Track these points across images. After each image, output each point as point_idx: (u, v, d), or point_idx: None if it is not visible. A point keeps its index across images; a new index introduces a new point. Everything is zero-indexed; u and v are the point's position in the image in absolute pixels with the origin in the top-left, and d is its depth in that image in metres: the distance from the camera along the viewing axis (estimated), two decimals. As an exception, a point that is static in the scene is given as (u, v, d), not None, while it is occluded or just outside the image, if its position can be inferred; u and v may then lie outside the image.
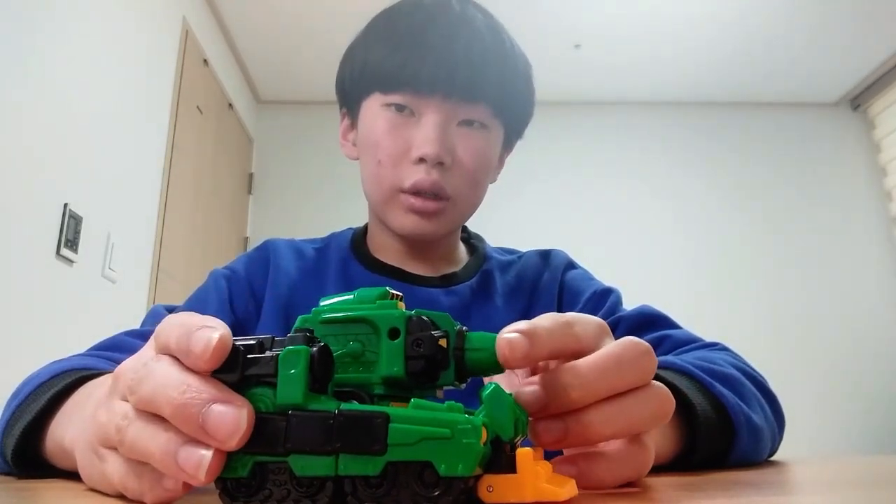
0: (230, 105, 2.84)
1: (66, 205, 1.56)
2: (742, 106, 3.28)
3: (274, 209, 3.13)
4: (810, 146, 3.25)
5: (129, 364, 0.28)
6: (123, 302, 1.85)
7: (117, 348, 0.57)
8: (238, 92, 2.99)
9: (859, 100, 3.20)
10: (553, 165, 3.15)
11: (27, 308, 1.42)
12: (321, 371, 0.24)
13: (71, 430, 0.36)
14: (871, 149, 3.23)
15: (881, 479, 0.40)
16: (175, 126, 2.22)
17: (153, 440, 0.25)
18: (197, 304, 0.67)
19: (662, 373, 0.44)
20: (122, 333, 0.61)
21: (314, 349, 0.24)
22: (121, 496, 0.28)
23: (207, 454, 0.23)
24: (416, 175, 0.62)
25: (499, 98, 0.65)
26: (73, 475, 0.39)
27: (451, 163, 0.63)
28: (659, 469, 0.41)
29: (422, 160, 0.62)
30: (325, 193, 3.00)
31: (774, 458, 0.53)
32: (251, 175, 3.17)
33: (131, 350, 0.57)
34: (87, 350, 0.58)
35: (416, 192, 0.63)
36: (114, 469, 0.27)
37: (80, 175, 1.64)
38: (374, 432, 0.23)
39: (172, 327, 0.26)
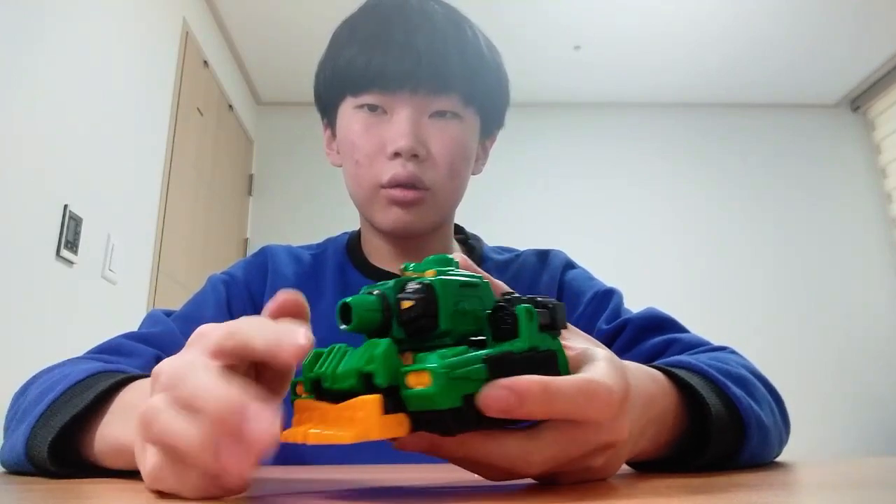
0: (230, 106, 2.84)
1: (66, 206, 1.56)
2: (742, 107, 3.28)
3: (274, 211, 3.13)
4: (810, 147, 3.25)
5: (169, 363, 0.29)
6: (123, 303, 1.84)
7: (117, 352, 0.56)
8: (238, 93, 2.99)
9: (859, 101, 3.20)
10: (553, 166, 3.15)
11: (27, 309, 1.42)
12: None
13: (128, 428, 0.35)
14: (870, 150, 3.23)
15: (883, 481, 0.40)
16: (175, 127, 2.22)
17: (186, 430, 0.26)
18: (195, 308, 0.67)
19: (677, 371, 0.44)
20: (121, 336, 0.60)
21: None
22: (158, 492, 0.28)
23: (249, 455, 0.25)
24: (393, 169, 0.64)
25: (467, 86, 0.66)
26: (119, 473, 0.39)
27: (427, 154, 0.65)
28: (664, 468, 0.41)
29: (397, 155, 0.64)
30: (325, 195, 2.99)
31: (776, 459, 0.53)
32: (251, 176, 3.17)
33: (131, 354, 0.57)
34: (86, 353, 0.57)
35: (394, 185, 0.64)
36: (149, 461, 0.28)
37: (80, 176, 1.64)
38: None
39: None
